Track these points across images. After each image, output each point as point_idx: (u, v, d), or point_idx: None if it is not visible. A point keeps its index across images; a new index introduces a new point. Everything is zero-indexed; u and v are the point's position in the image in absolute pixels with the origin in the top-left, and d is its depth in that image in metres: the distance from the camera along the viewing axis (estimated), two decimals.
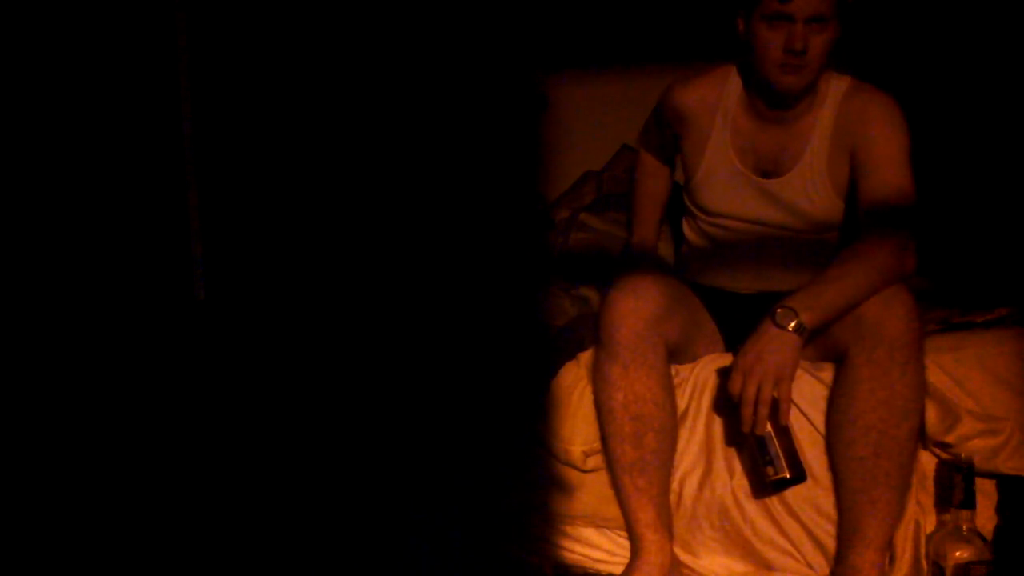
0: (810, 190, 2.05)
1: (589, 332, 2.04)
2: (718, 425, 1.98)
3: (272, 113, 2.82)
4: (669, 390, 1.93)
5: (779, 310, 1.79)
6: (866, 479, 1.84)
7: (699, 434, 1.99)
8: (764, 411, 1.79)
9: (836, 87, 2.05)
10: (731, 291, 2.14)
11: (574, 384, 2.01)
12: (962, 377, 1.91)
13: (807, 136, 2.05)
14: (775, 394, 1.78)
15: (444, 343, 2.26)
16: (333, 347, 2.51)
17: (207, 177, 2.82)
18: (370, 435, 2.27)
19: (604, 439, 1.96)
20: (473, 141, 2.74)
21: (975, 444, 1.87)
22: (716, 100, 2.12)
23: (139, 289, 2.73)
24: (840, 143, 2.02)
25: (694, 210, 2.18)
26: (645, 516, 1.93)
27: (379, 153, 2.83)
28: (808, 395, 1.94)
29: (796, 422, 1.95)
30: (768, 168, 2.08)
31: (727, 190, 2.10)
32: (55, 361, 2.50)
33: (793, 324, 1.78)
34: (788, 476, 1.82)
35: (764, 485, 1.90)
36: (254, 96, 2.82)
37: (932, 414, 1.89)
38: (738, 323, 2.00)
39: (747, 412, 1.80)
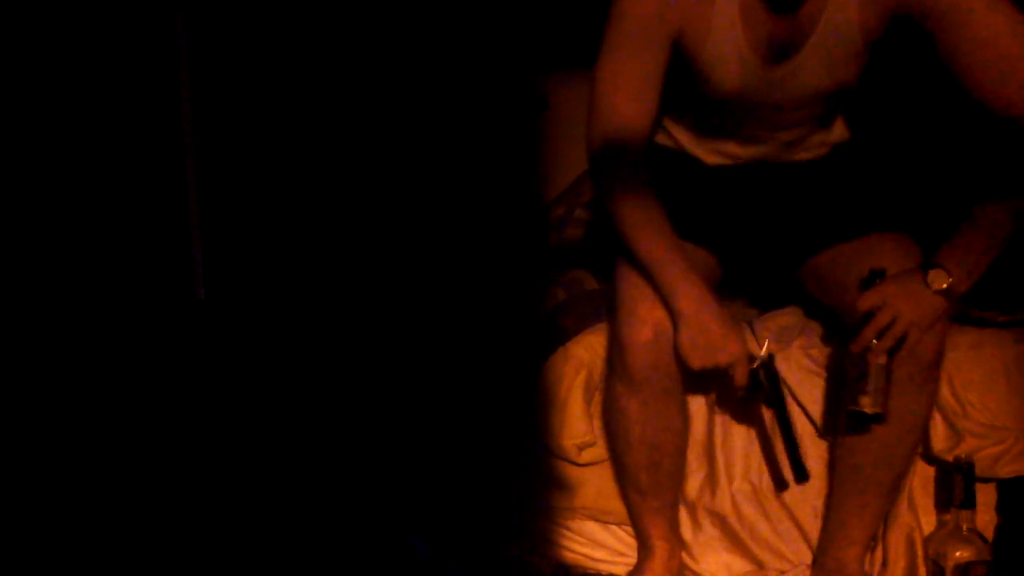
0: (833, 58, 1.74)
1: (573, 319, 2.03)
2: (719, 429, 1.98)
3: (272, 113, 2.82)
4: (685, 413, 1.90)
5: (931, 271, 1.65)
6: (859, 485, 1.83)
7: (699, 438, 1.99)
8: (888, 343, 1.67)
9: None
10: (720, 165, 1.96)
11: (560, 378, 1.99)
12: (976, 377, 1.90)
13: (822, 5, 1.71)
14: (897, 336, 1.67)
15: (441, 340, 2.26)
16: (332, 347, 2.51)
17: (207, 177, 2.82)
18: (369, 434, 2.27)
19: (617, 464, 1.94)
20: (473, 141, 2.74)
21: (978, 454, 1.87)
22: None
23: (139, 289, 2.72)
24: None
25: (692, 105, 1.90)
26: (657, 530, 1.92)
27: (379, 153, 2.83)
28: (814, 396, 1.94)
29: (799, 421, 1.95)
30: (781, 49, 1.75)
31: (736, 75, 1.78)
32: (55, 361, 2.50)
33: (945, 286, 1.65)
34: (882, 412, 1.72)
35: (851, 415, 1.77)
36: (254, 96, 2.81)
37: (940, 434, 1.89)
38: (727, 203, 1.90)
39: (869, 334, 1.66)
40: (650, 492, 1.90)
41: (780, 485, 1.95)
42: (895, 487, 1.86)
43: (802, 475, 1.81)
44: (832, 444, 1.89)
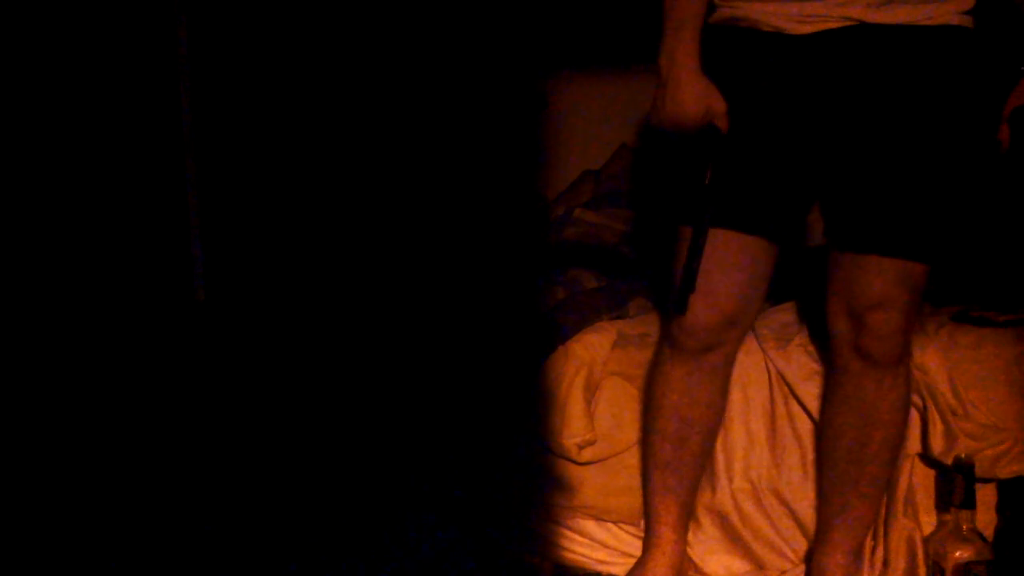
0: None
1: (573, 318, 2.03)
2: (719, 428, 1.98)
3: (272, 113, 2.82)
4: (726, 392, 1.87)
5: None
6: (835, 481, 1.83)
7: None
8: None
9: None
10: (810, 34, 1.64)
11: (560, 377, 1.98)
12: (976, 377, 1.90)
13: None
14: None
15: (441, 339, 2.27)
16: (331, 346, 2.51)
17: (207, 177, 2.83)
18: (369, 434, 2.27)
19: (645, 431, 1.90)
20: (473, 141, 2.74)
21: (978, 455, 1.87)
22: None
23: (139, 289, 2.73)
24: None
25: None
26: (668, 515, 1.89)
27: (379, 154, 2.83)
28: (814, 393, 1.93)
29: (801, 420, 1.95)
30: None
31: None
32: (56, 361, 2.50)
33: None
34: None
35: None
36: (254, 96, 2.82)
37: (938, 436, 1.89)
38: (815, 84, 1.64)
39: None
40: (670, 468, 1.86)
41: (678, 307, 1.74)
42: (873, 490, 1.83)
43: (680, 307, 1.71)
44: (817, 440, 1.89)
